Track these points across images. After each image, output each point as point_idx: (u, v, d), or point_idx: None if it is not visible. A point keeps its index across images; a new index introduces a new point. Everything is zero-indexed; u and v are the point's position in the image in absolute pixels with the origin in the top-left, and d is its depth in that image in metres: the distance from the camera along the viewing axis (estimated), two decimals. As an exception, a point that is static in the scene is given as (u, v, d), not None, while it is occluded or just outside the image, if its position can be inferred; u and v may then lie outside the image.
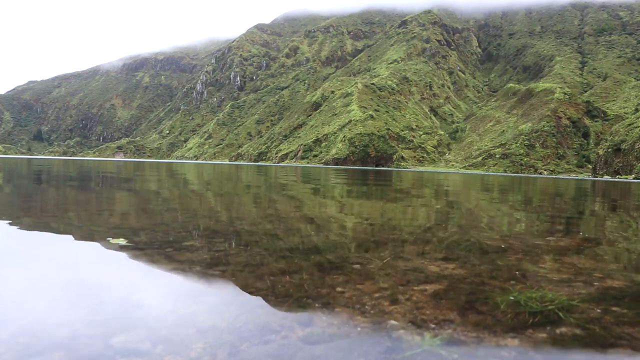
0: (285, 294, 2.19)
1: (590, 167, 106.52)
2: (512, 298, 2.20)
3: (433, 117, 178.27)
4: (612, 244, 4.36)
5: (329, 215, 6.15)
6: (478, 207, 8.54)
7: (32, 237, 3.62)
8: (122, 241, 3.42)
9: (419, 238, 4.20)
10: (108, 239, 3.53)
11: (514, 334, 1.76)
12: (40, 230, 3.87)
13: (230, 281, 2.42)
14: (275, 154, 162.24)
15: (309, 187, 13.85)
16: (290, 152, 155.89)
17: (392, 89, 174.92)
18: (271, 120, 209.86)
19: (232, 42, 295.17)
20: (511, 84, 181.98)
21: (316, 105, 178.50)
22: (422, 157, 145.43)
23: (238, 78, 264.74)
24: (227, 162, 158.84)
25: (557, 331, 1.79)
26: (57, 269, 2.66)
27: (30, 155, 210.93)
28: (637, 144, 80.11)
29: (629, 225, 6.25)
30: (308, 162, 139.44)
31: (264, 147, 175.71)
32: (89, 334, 1.65)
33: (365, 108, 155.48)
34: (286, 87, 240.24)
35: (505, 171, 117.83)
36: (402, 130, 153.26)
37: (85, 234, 3.79)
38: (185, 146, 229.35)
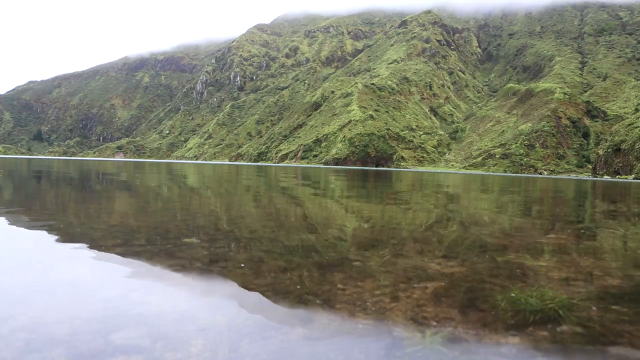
0: (286, 291, 2.19)
1: (590, 167, 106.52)
2: (512, 296, 2.20)
3: (433, 117, 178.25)
4: (612, 242, 4.36)
5: (329, 214, 6.15)
6: (478, 207, 8.54)
7: (32, 236, 3.61)
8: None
9: (419, 237, 4.20)
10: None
11: (515, 332, 1.76)
12: (41, 229, 3.87)
13: (230, 278, 2.41)
14: (275, 154, 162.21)
15: (309, 188, 13.85)
16: (290, 152, 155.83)
17: (392, 89, 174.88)
18: (271, 121, 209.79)
19: (232, 42, 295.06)
20: (511, 84, 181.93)
21: (316, 105, 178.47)
22: (422, 157, 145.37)
23: (238, 78, 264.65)
24: (227, 162, 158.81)
25: (558, 329, 1.79)
26: (57, 267, 2.65)
27: (30, 155, 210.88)
28: (637, 144, 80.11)
29: (628, 225, 6.25)
30: (308, 162, 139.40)
31: (264, 147, 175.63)
32: (89, 330, 1.64)
33: (365, 108, 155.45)
34: (286, 87, 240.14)
35: (505, 171, 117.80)
36: (402, 130, 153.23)
37: (85, 233, 3.78)
38: (185, 146, 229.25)
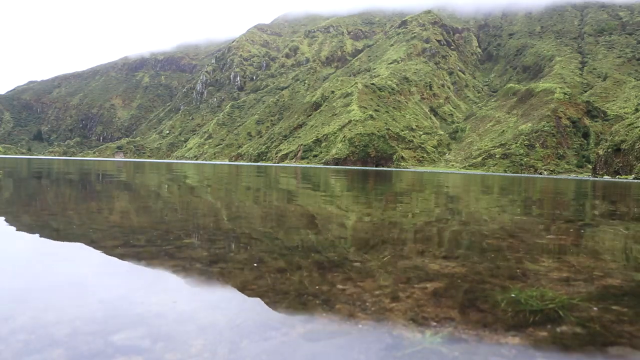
0: (286, 291, 2.19)
1: (590, 167, 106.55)
2: (512, 296, 2.20)
3: (433, 117, 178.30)
4: (612, 242, 4.36)
5: (329, 214, 6.15)
6: (478, 207, 8.54)
7: (32, 235, 3.61)
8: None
9: (419, 237, 4.20)
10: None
11: (515, 332, 1.76)
12: (40, 229, 3.87)
13: (230, 278, 2.42)
14: (275, 154, 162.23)
15: (309, 188, 13.85)
16: (290, 152, 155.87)
17: (392, 89, 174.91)
18: (271, 121, 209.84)
19: (232, 42, 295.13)
20: (511, 84, 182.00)
21: (316, 105, 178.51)
22: (422, 157, 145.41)
23: (238, 78, 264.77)
24: (227, 162, 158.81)
25: (558, 329, 1.79)
26: (57, 268, 2.65)
27: (30, 155, 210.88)
28: (637, 144, 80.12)
29: (629, 224, 6.25)
30: (308, 162, 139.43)
31: (264, 147, 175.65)
32: (88, 331, 1.64)
33: (365, 108, 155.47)
34: (286, 87, 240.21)
35: (505, 171, 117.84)
36: (402, 130, 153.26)
37: (85, 233, 3.78)
38: (185, 146, 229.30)
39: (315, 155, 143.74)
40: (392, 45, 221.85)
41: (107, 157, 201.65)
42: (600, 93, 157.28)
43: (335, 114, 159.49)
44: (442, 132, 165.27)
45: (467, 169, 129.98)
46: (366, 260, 2.98)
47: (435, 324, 1.82)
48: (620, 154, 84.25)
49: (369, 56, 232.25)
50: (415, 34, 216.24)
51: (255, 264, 2.75)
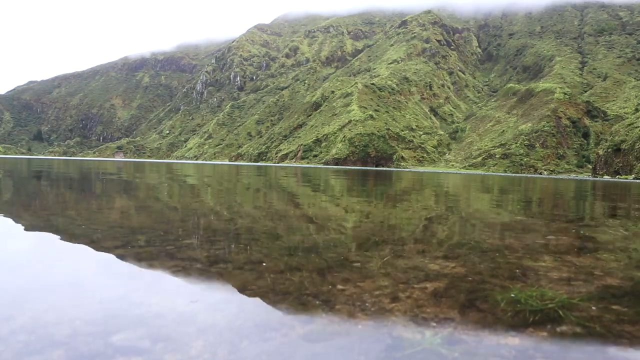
0: (286, 292, 2.18)
1: (590, 167, 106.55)
2: (512, 296, 2.20)
3: (433, 117, 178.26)
4: (612, 242, 4.35)
5: (329, 214, 6.15)
6: (478, 208, 8.54)
7: (32, 236, 3.62)
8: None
9: (419, 237, 4.20)
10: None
11: (515, 332, 1.76)
12: (40, 229, 3.87)
13: (230, 279, 2.42)
14: (275, 154, 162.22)
15: (309, 189, 13.85)
16: (290, 152, 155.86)
17: (392, 89, 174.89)
18: (271, 121, 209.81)
19: (232, 42, 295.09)
20: (511, 84, 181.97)
21: (316, 105, 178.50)
22: (422, 157, 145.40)
23: (238, 78, 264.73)
24: (227, 162, 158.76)
25: (558, 329, 1.79)
26: (57, 268, 2.65)
27: (30, 155, 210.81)
28: (637, 144, 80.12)
29: (629, 224, 6.25)
30: (308, 162, 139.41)
31: (264, 147, 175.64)
32: (88, 332, 1.64)
33: (365, 108, 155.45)
34: (286, 87, 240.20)
35: (505, 171, 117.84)
36: (402, 130, 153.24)
37: (84, 233, 3.78)
38: (185, 146, 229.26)
39: (315, 155, 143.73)
40: (392, 45, 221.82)
41: (107, 157, 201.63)
42: (600, 93, 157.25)
43: (335, 114, 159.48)
44: (442, 132, 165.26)
45: (467, 169, 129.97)
46: (366, 260, 2.97)
47: (435, 324, 1.81)
48: (620, 154, 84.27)
49: (369, 56, 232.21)
50: (415, 34, 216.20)
51: (255, 265, 2.74)
